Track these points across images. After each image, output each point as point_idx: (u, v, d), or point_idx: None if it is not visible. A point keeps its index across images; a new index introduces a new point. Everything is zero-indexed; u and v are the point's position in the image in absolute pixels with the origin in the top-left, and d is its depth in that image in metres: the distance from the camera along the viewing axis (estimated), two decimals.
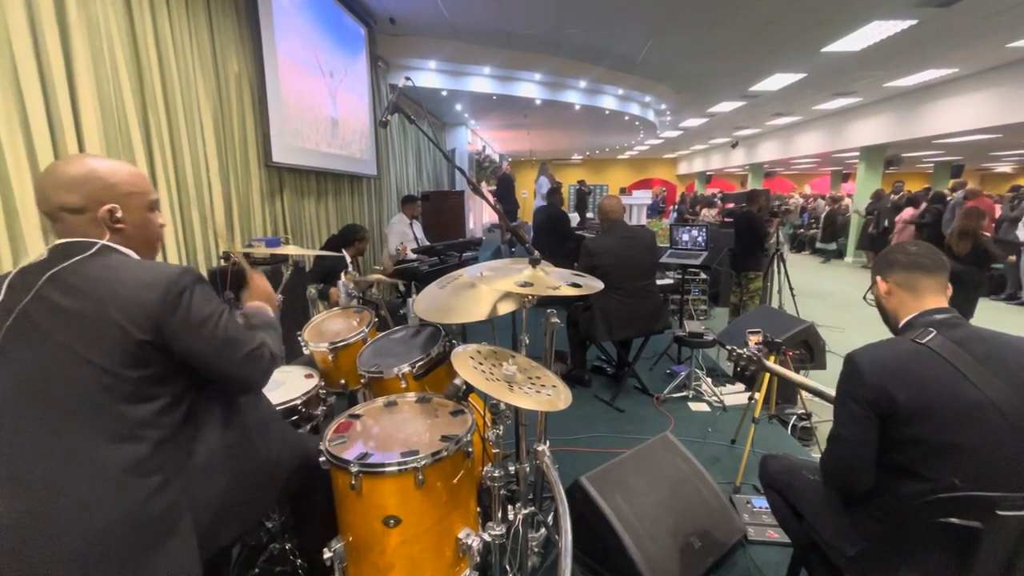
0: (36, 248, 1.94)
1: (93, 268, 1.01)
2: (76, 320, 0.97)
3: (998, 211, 7.83)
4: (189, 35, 2.89)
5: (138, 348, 0.99)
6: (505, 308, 1.50)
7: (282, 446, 1.31)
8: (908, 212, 8.73)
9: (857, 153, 11.44)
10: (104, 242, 1.05)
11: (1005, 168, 18.86)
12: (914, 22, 5.52)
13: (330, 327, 2.20)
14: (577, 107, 8.40)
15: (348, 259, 3.56)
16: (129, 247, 1.10)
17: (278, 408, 1.64)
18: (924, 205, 8.59)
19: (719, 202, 11.56)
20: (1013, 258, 6.93)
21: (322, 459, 1.28)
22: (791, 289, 4.84)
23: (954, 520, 1.05)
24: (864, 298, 1.49)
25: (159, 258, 1.26)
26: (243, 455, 1.18)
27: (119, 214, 1.07)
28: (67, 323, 0.97)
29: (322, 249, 3.77)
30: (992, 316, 6.12)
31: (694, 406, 3.36)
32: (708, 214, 11.10)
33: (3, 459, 0.95)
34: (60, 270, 1.00)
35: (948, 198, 8.22)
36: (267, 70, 3.54)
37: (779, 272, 4.88)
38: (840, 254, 11.74)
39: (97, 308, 0.97)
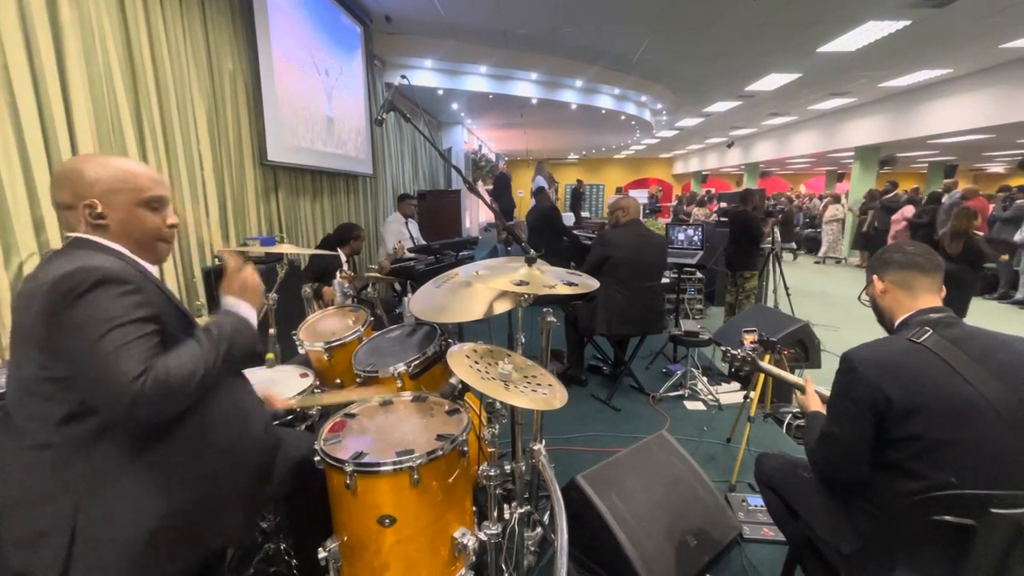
0: (28, 246, 1.93)
1: (45, 266, 1.02)
2: (15, 319, 1.01)
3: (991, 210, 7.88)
4: (183, 32, 2.87)
5: (40, 344, 0.96)
6: (502, 307, 1.50)
7: (261, 458, 1.23)
8: (908, 210, 8.77)
9: (852, 153, 11.50)
10: (77, 235, 1.06)
11: (998, 168, 19.00)
12: (908, 23, 5.55)
13: (325, 326, 2.19)
14: (573, 106, 8.41)
15: (343, 258, 3.55)
16: (123, 244, 1.09)
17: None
18: (909, 210, 8.65)
19: (713, 201, 11.59)
20: (1006, 257, 6.97)
21: (317, 458, 1.28)
22: (786, 288, 4.85)
23: (948, 518, 1.06)
24: (859, 298, 1.49)
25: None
26: (217, 466, 1.09)
27: (99, 210, 1.06)
28: (15, 321, 1.01)
29: (318, 248, 3.76)
30: (985, 315, 6.16)
31: (690, 405, 3.37)
32: (699, 213, 11.14)
33: None
34: (37, 268, 1.03)
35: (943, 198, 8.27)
36: (262, 68, 3.52)
37: (774, 271, 4.89)
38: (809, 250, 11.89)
39: (26, 305, 0.97)
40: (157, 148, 2.63)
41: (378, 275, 3.31)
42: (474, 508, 1.48)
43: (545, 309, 1.59)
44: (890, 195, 9.49)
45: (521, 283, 1.38)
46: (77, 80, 2.15)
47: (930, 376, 1.15)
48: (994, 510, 1.01)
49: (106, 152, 2.29)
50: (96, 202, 1.05)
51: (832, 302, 6.84)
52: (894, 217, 8.95)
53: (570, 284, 1.43)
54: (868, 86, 8.87)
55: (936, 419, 1.13)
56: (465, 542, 1.31)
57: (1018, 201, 7.23)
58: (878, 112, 10.08)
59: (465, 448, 1.36)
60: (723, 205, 9.56)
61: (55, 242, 1.99)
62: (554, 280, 1.44)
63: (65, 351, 0.95)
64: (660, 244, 3.49)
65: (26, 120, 1.94)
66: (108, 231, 1.08)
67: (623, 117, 9.66)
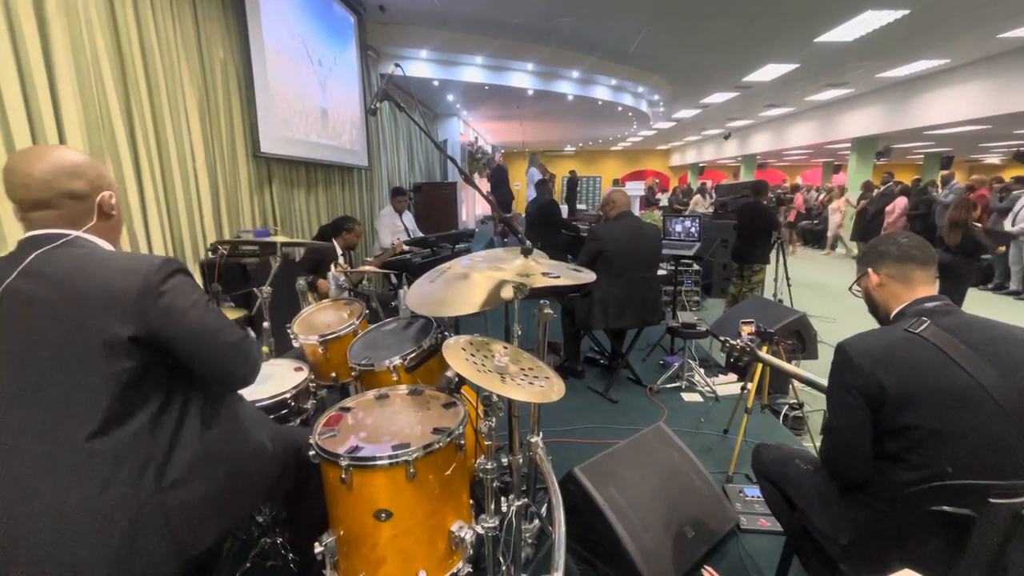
0: (15, 234, 1.90)
1: (67, 258, 0.98)
2: (54, 312, 0.94)
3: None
4: (172, 21, 2.82)
5: (123, 341, 0.95)
6: (499, 298, 1.48)
7: (262, 446, 1.26)
8: (901, 202, 8.77)
9: (849, 144, 11.49)
10: (78, 233, 1.03)
11: (994, 159, 19.02)
12: (906, 12, 5.52)
13: (320, 319, 2.17)
14: (570, 98, 8.35)
15: (339, 250, 3.52)
16: (109, 236, 1.10)
17: (268, 402, 1.62)
18: (902, 201, 8.66)
19: (712, 195, 11.57)
20: (1002, 249, 6.99)
21: (312, 453, 1.27)
22: (787, 280, 4.84)
23: (946, 508, 1.05)
24: (851, 289, 1.48)
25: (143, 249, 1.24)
26: (223, 458, 1.13)
27: (114, 200, 1.08)
28: (45, 315, 0.94)
29: (314, 239, 3.73)
30: (980, 306, 6.19)
31: (687, 396, 3.37)
32: (697, 202, 11.15)
33: None
34: (35, 259, 0.96)
35: (936, 191, 8.28)
36: (254, 58, 3.47)
37: (779, 262, 4.85)
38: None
39: (77, 298, 0.94)
40: (148, 140, 2.59)
41: (373, 268, 3.29)
42: (471, 501, 1.47)
43: (542, 301, 1.57)
44: (884, 187, 9.47)
45: (520, 275, 1.36)
46: (64, 70, 2.11)
47: (926, 365, 1.14)
48: (993, 500, 1.01)
49: (95, 144, 2.26)
50: (113, 192, 1.08)
51: (829, 293, 6.86)
52: (887, 208, 8.96)
53: (557, 277, 1.42)
54: (865, 77, 8.84)
55: (933, 408, 1.12)
56: (462, 535, 1.30)
57: (1014, 192, 7.24)
58: (875, 103, 10.07)
59: (462, 441, 1.35)
60: (719, 198, 9.51)
61: None
62: (550, 271, 1.43)
63: (172, 326, 1.00)
64: (653, 234, 3.45)
65: (12, 111, 1.90)
66: (111, 222, 1.10)
67: (620, 108, 9.61)
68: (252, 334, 1.18)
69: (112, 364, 0.95)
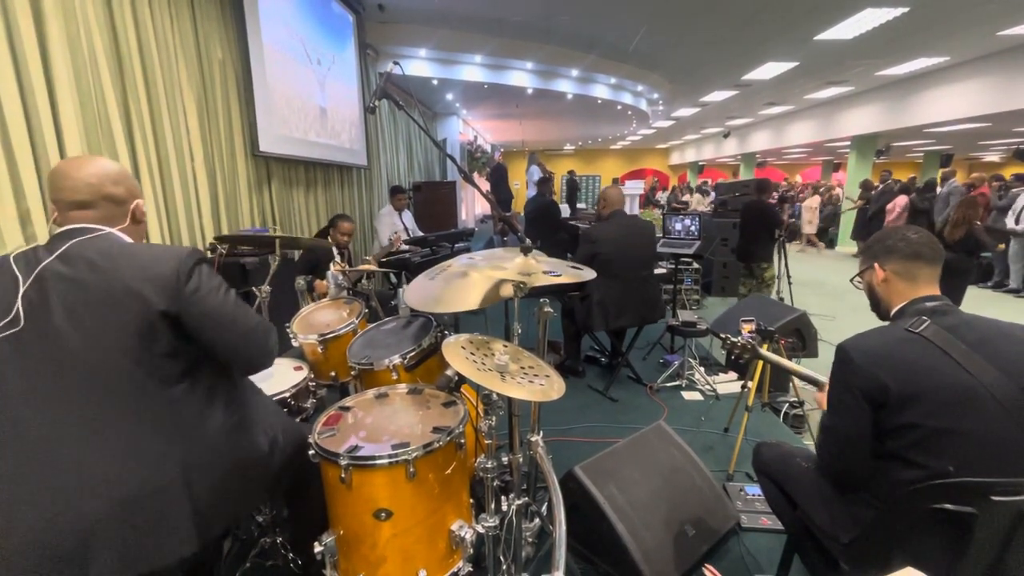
0: (14, 239, 1.89)
1: (103, 247, 1.05)
2: (92, 291, 1.00)
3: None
4: (170, 20, 2.81)
5: (156, 319, 1.02)
6: (498, 296, 1.48)
7: (275, 437, 1.28)
8: (901, 200, 8.77)
9: (848, 142, 11.48)
10: (111, 230, 1.11)
11: (993, 157, 19.01)
12: (906, 9, 5.51)
13: (319, 319, 2.17)
14: (569, 96, 8.34)
15: (335, 249, 3.51)
16: (137, 239, 1.19)
17: None
18: (902, 200, 8.65)
19: (712, 192, 11.56)
20: (1002, 247, 6.99)
21: (311, 452, 1.26)
22: (788, 278, 4.84)
23: (948, 506, 1.05)
24: (852, 281, 1.47)
25: None
26: (240, 440, 1.17)
27: (144, 208, 1.20)
28: (83, 294, 1.00)
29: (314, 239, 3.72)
30: (980, 304, 6.19)
31: (687, 395, 3.37)
32: (699, 201, 11.13)
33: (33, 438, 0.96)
34: (72, 247, 1.03)
35: (938, 188, 8.27)
36: (252, 57, 3.46)
37: (780, 260, 4.85)
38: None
39: (114, 281, 1.01)
40: (146, 139, 2.58)
41: (373, 267, 3.28)
42: (471, 500, 1.47)
43: (542, 300, 1.57)
44: (883, 185, 9.44)
45: (520, 273, 1.36)
46: (61, 70, 2.09)
47: (927, 365, 1.14)
48: (995, 498, 1.00)
49: (94, 144, 2.25)
50: (143, 201, 1.20)
51: (828, 291, 6.85)
52: (888, 207, 8.95)
53: (558, 275, 1.41)
54: (865, 75, 8.83)
55: (934, 408, 1.12)
56: (462, 535, 1.30)
57: (1013, 190, 7.23)
58: (875, 101, 10.05)
59: (462, 440, 1.34)
60: (719, 196, 9.50)
61: (42, 236, 1.95)
62: (551, 269, 1.42)
63: (197, 306, 1.07)
64: (647, 231, 3.43)
65: (9, 113, 1.89)
66: (141, 227, 1.20)
67: (619, 107, 9.60)
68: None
69: (147, 342, 1.01)
